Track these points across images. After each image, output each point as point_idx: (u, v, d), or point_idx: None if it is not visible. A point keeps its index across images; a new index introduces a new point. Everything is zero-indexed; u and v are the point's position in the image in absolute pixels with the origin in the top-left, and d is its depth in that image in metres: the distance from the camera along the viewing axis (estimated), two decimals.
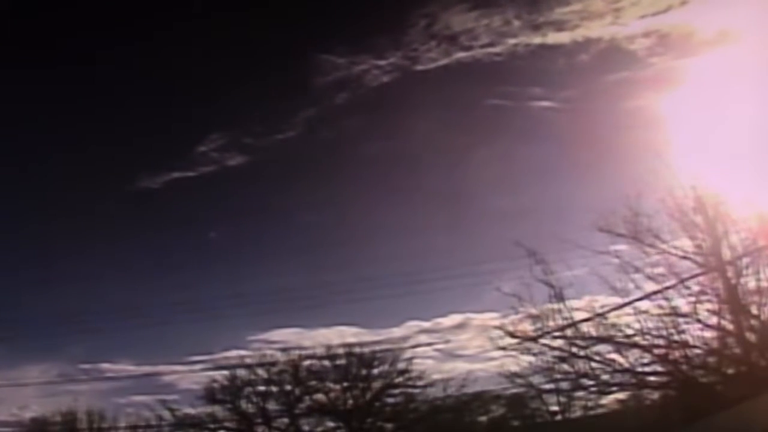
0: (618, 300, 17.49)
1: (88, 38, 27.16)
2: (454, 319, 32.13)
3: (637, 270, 17.38)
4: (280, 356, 29.57)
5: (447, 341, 31.49)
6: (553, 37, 26.30)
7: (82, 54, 27.86)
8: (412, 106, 29.23)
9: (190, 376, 31.74)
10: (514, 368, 21.42)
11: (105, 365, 32.17)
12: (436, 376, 28.99)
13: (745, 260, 16.64)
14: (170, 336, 32.40)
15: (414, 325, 32.00)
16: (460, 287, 33.08)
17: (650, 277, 17.31)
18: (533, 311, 18.05)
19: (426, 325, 32.19)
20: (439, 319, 32.31)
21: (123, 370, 32.52)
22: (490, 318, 30.82)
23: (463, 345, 33.26)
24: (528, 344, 18.38)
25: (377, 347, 29.09)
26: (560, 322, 17.72)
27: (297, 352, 29.67)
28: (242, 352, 30.61)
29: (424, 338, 31.27)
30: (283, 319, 33.18)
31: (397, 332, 31.73)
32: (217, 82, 28.99)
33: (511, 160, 29.76)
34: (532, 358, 18.66)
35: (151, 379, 32.49)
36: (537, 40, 26.56)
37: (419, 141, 30.14)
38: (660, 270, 17.31)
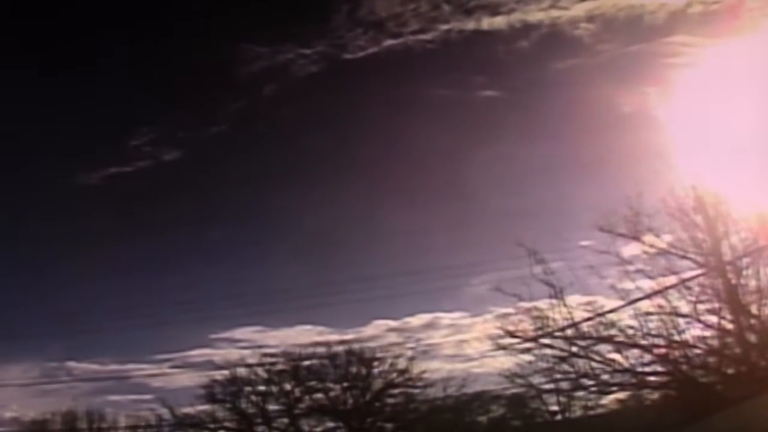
0: (618, 300, 17.51)
1: (11, 36, 26.49)
2: (423, 318, 32.28)
3: (637, 270, 17.40)
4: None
5: (419, 340, 31.34)
6: (488, 23, 25.07)
7: (7, 52, 27.09)
8: (346, 96, 28.27)
9: (160, 374, 31.79)
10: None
11: (71, 364, 32.08)
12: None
13: (745, 260, 16.66)
14: (132, 336, 32.68)
15: (382, 324, 32.01)
16: (427, 289, 33.06)
17: (650, 277, 17.33)
18: (533, 311, 18.08)
19: (394, 324, 32.20)
20: (408, 319, 32.42)
21: (89, 369, 32.52)
22: (460, 317, 31.15)
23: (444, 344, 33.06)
24: (528, 344, 18.39)
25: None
26: (560, 322, 17.73)
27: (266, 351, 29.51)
28: (207, 351, 30.86)
29: (393, 337, 31.30)
30: (246, 318, 33.15)
31: (365, 332, 31.81)
32: (141, 74, 28.20)
33: (461, 151, 28.61)
34: (532, 358, 18.69)
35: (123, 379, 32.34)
36: (471, 25, 25.33)
37: (357, 133, 29.35)
38: (660, 270, 17.33)
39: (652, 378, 17.96)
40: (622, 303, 17.37)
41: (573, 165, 28.51)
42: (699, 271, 17.10)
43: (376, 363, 28.64)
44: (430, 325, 32.78)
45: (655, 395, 20.22)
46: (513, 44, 25.89)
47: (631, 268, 17.46)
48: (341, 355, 28.75)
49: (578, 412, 28.45)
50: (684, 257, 17.24)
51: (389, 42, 26.29)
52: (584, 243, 18.34)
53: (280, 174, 32.25)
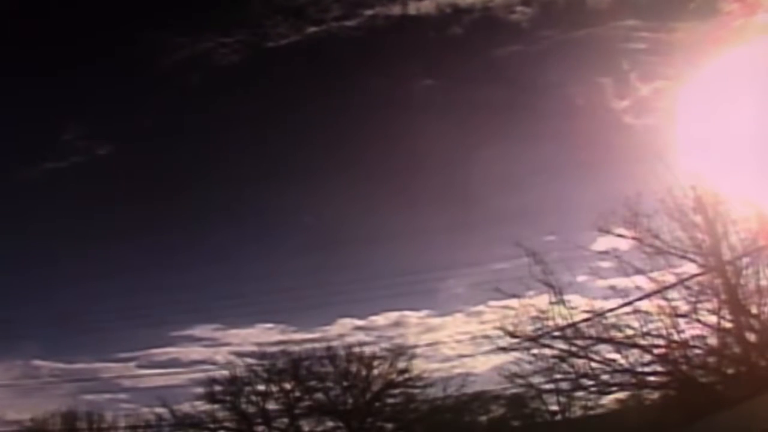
0: (618, 300, 17.51)
1: None
2: (389, 317, 32.01)
3: (637, 270, 17.39)
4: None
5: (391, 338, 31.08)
6: (415, 7, 24.22)
7: None
8: (275, 85, 27.28)
9: (125, 373, 31.75)
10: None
11: (37, 362, 31.67)
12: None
13: (745, 260, 16.65)
14: (89, 334, 31.57)
15: (347, 322, 31.71)
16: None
17: (650, 277, 17.32)
18: (533, 311, 18.09)
19: (360, 323, 31.88)
20: (374, 317, 32.06)
21: (56, 368, 31.86)
22: (425, 316, 31.07)
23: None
24: (528, 344, 18.40)
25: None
26: (560, 322, 17.74)
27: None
28: (171, 349, 30.91)
29: (361, 336, 31.09)
30: (204, 317, 32.42)
31: (331, 330, 31.61)
32: (65, 67, 26.85)
33: (401, 140, 27.25)
34: (531, 358, 18.70)
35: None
36: (396, 10, 24.27)
37: (293, 123, 28.29)
38: (660, 270, 17.33)
39: (651, 378, 17.97)
40: (621, 303, 17.39)
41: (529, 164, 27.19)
42: (699, 271, 17.10)
43: (376, 363, 28.70)
44: (397, 324, 32.63)
45: (655, 395, 20.24)
46: (445, 30, 24.64)
47: (630, 268, 17.46)
48: (341, 355, 28.85)
49: (578, 412, 28.44)
50: (684, 257, 17.24)
51: (312, 29, 25.13)
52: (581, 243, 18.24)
53: (214, 166, 31.69)
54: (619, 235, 17.86)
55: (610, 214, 17.84)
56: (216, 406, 29.16)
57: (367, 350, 28.96)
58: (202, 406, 29.05)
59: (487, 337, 19.17)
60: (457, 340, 29.33)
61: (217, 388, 28.95)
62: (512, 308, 17.84)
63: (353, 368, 28.84)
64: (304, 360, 28.96)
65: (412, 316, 31.94)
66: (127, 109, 29.72)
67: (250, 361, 29.56)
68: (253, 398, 29.35)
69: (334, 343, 29.19)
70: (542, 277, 17.94)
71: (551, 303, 17.82)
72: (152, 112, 29.99)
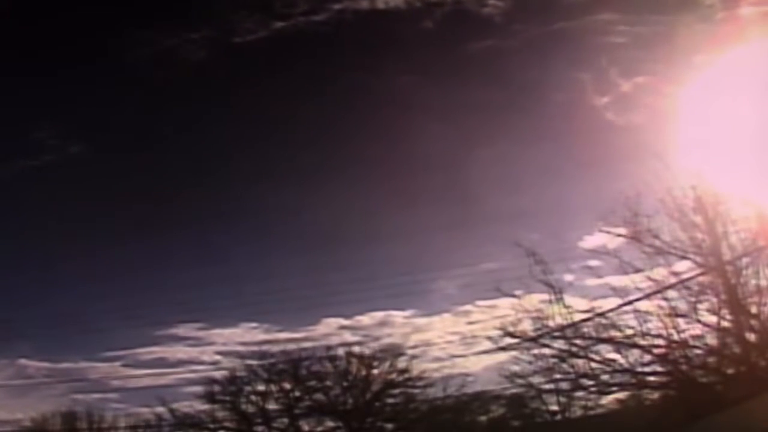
0: (618, 300, 17.50)
1: None
2: (375, 316, 32.14)
3: (637, 270, 17.38)
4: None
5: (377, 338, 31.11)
6: (384, 1, 23.73)
7: None
8: (243, 81, 26.80)
9: (111, 372, 31.98)
10: (515, 368, 21.42)
11: (23, 361, 31.71)
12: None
13: (745, 260, 16.63)
14: (75, 333, 31.94)
15: (332, 322, 31.82)
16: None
17: (650, 277, 17.30)
18: (533, 311, 18.08)
19: (345, 322, 32.01)
20: (359, 317, 32.20)
21: (42, 367, 32.06)
22: (411, 315, 31.08)
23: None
24: (528, 344, 18.39)
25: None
26: (560, 322, 17.73)
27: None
28: (156, 348, 31.15)
29: (347, 335, 31.22)
30: (187, 316, 32.45)
31: (316, 330, 31.80)
32: (33, 66, 26.71)
33: (383, 136, 27.04)
34: (530, 358, 18.69)
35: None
36: (365, 5, 24.08)
37: (268, 121, 27.91)
38: (660, 270, 17.32)
39: (651, 378, 17.96)
40: (621, 303, 17.38)
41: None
42: (699, 271, 17.08)
43: (375, 363, 28.70)
44: (383, 324, 32.78)
45: (655, 395, 20.23)
46: (416, 24, 24.28)
47: (630, 268, 17.43)
48: (341, 355, 28.86)
49: (578, 412, 28.46)
50: (684, 257, 17.23)
51: (279, 24, 24.99)
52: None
53: (189, 164, 31.46)
54: (620, 235, 17.85)
55: (609, 214, 17.85)
56: (216, 406, 29.22)
57: (357, 350, 29.12)
58: (202, 405, 29.16)
59: (475, 336, 19.13)
60: (447, 341, 29.46)
61: (217, 387, 29.02)
62: (499, 308, 17.80)
63: (353, 368, 28.88)
64: (304, 360, 29.04)
65: (397, 316, 32.07)
66: (97, 106, 29.44)
67: (237, 361, 29.76)
68: (253, 398, 29.39)
69: (320, 343, 29.51)
70: (542, 276, 17.94)
71: (550, 302, 17.82)
72: (122, 109, 29.70)
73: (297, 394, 29.33)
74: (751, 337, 16.43)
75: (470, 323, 30.31)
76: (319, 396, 29.26)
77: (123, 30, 25.59)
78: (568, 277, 17.99)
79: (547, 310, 17.80)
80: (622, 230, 17.69)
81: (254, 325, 32.48)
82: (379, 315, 32.12)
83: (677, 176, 17.61)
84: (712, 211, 17.19)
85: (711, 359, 17.17)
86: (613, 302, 17.64)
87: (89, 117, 29.93)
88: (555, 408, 29.39)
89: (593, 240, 18.10)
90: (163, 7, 25.09)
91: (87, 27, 25.04)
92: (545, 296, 17.91)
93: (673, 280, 17.04)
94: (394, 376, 28.76)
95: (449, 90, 24.56)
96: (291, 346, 29.07)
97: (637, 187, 17.57)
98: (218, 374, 29.30)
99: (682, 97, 19.43)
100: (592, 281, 18.37)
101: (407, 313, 32.21)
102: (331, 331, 31.62)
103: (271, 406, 29.54)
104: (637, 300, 17.11)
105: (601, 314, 17.49)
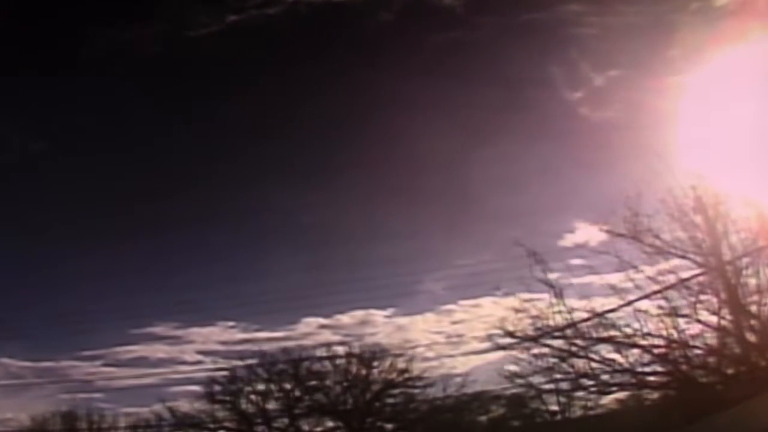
0: (618, 300, 17.49)
1: None
2: (355, 315, 31.99)
3: (637, 270, 17.37)
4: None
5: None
6: None
7: None
8: (198, 75, 26.32)
9: (94, 372, 31.59)
10: (515, 368, 21.41)
11: (5, 360, 31.16)
12: None
13: (745, 260, 16.64)
14: (55, 332, 31.92)
15: (312, 321, 31.63)
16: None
17: (650, 277, 17.30)
18: (533, 311, 18.06)
19: (325, 321, 31.84)
20: (339, 316, 32.01)
21: (23, 367, 31.63)
22: (392, 314, 30.95)
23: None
24: (527, 344, 18.38)
25: None
26: (560, 321, 17.72)
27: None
28: (134, 347, 30.90)
29: (327, 334, 31.15)
30: (163, 314, 32.02)
31: (298, 329, 31.57)
32: None
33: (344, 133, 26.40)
34: (530, 358, 18.68)
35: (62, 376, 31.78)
36: None
37: (219, 114, 27.51)
38: (660, 270, 17.31)
39: (651, 378, 17.95)
40: (621, 303, 17.37)
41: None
42: (699, 271, 17.09)
43: (375, 363, 28.70)
44: (363, 323, 32.71)
45: (655, 395, 20.24)
46: (373, 16, 23.56)
47: (630, 268, 17.43)
48: (341, 355, 28.87)
49: (578, 412, 28.46)
50: (684, 257, 17.23)
51: (232, 17, 24.30)
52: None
53: (153, 162, 30.96)
54: (620, 234, 17.82)
55: (610, 214, 17.85)
56: (216, 405, 29.22)
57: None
58: (202, 405, 29.15)
59: (460, 335, 19.02)
60: (434, 342, 29.45)
61: (217, 387, 29.03)
62: (483, 307, 17.74)
63: (353, 368, 28.89)
64: (304, 360, 29.05)
65: (378, 315, 31.96)
66: (55, 103, 28.84)
67: (219, 361, 29.96)
68: (253, 398, 29.40)
69: (300, 343, 29.54)
70: (542, 276, 17.92)
71: (551, 303, 17.81)
72: (79, 105, 29.00)
73: (297, 394, 29.35)
74: (751, 337, 16.44)
75: (454, 323, 30.29)
76: (319, 396, 29.28)
77: (76, 26, 24.95)
78: (554, 275, 17.85)
79: (546, 310, 17.79)
80: (622, 230, 17.68)
81: (232, 323, 32.31)
82: (360, 314, 31.96)
83: (676, 176, 17.63)
84: (712, 211, 17.20)
85: (711, 359, 17.17)
86: (613, 302, 17.67)
87: (48, 114, 29.37)
88: (555, 408, 29.41)
89: (575, 238, 17.97)
90: (116, 2, 24.66)
91: (44, 23, 24.57)
92: (535, 295, 17.96)
93: (673, 280, 17.06)
94: (394, 376, 28.78)
95: (411, 85, 23.30)
96: (270, 346, 29.18)
97: (637, 186, 17.58)
98: (201, 375, 29.45)
99: (680, 95, 19.32)
100: (576, 280, 18.34)
101: (388, 312, 32.07)
102: (311, 330, 31.59)
103: (271, 406, 29.61)
104: (637, 300, 17.13)
105: (601, 314, 17.50)
